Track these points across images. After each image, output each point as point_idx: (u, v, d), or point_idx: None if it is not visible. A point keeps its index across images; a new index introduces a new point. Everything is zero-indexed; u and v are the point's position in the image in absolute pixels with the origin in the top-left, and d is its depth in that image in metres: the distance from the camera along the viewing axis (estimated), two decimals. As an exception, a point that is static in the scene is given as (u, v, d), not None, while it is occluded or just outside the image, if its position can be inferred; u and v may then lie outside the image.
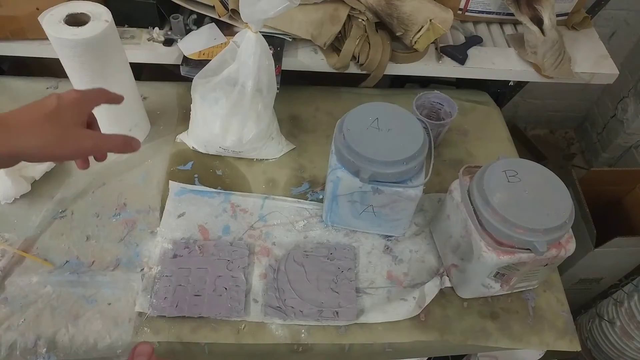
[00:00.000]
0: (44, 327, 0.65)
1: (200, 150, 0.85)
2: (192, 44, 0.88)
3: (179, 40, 0.89)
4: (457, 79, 1.14)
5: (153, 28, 0.89)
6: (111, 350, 0.65)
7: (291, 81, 0.93)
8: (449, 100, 0.86)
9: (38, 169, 0.78)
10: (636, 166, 1.67)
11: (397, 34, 0.88)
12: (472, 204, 0.63)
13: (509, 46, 0.98)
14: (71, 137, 0.47)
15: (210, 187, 0.81)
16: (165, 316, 0.67)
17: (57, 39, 0.65)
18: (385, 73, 0.92)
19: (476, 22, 1.02)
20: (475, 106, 1.00)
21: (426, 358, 0.85)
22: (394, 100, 0.76)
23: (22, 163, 0.77)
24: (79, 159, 0.53)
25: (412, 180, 0.66)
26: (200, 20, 0.91)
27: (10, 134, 0.44)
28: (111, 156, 0.83)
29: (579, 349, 0.70)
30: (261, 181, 0.84)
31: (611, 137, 1.76)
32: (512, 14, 0.91)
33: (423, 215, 0.81)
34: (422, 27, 0.85)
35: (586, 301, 1.41)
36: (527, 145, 1.84)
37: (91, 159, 0.55)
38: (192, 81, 0.78)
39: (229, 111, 0.77)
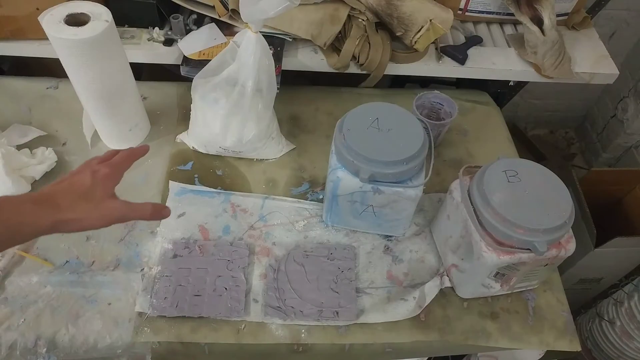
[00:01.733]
0: (44, 327, 0.65)
1: (201, 150, 0.85)
2: (192, 44, 0.88)
3: (179, 40, 0.89)
4: (457, 79, 1.14)
5: (153, 28, 0.89)
6: (111, 350, 0.65)
7: (291, 81, 0.92)
8: (449, 100, 0.86)
9: (38, 169, 0.78)
10: (636, 166, 1.67)
11: (397, 34, 0.88)
12: (472, 204, 0.63)
13: (509, 46, 0.98)
14: (102, 210, 0.52)
15: (210, 187, 0.81)
16: (165, 316, 0.67)
17: (57, 39, 0.65)
18: (385, 73, 0.92)
19: (476, 22, 1.02)
20: (475, 106, 1.00)
21: (426, 358, 0.85)
22: (394, 100, 0.76)
23: (21, 162, 0.78)
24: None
25: (412, 180, 0.66)
26: (200, 20, 0.91)
27: (56, 211, 0.49)
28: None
29: (579, 349, 0.70)
30: (261, 181, 0.84)
31: (611, 137, 1.76)
32: (512, 14, 0.91)
33: (423, 215, 0.81)
34: (422, 27, 0.85)
35: (586, 301, 1.41)
36: (527, 145, 1.84)
37: None
38: (192, 81, 0.78)
39: (229, 111, 0.77)
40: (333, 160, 0.68)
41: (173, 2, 0.86)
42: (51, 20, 0.66)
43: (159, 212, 0.56)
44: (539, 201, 0.60)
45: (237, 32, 0.76)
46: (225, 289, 0.69)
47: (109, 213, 0.52)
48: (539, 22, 0.88)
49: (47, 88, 0.94)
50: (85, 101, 0.77)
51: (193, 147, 0.86)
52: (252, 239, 0.76)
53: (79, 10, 0.68)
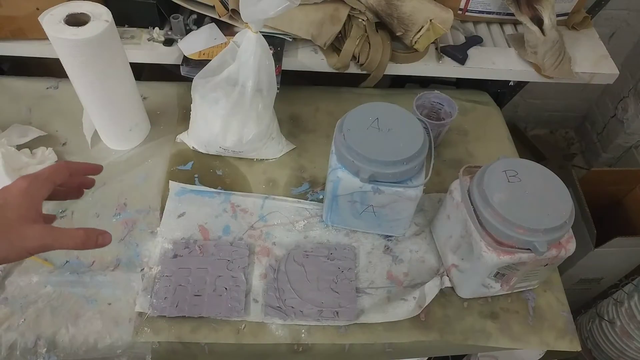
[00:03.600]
0: (44, 327, 0.65)
1: (201, 150, 0.85)
2: (192, 44, 0.88)
3: (179, 40, 0.89)
4: (457, 79, 1.14)
5: (153, 28, 0.89)
6: (111, 350, 0.65)
7: (291, 81, 0.92)
8: (449, 100, 0.86)
9: (38, 169, 0.78)
10: (636, 166, 1.67)
11: (397, 34, 0.88)
12: (472, 204, 0.63)
13: (509, 46, 0.98)
14: (14, 240, 0.41)
15: (210, 187, 0.81)
16: (165, 316, 0.67)
17: (57, 39, 0.65)
18: (385, 73, 0.92)
19: (476, 22, 1.02)
20: (475, 106, 1.00)
21: (426, 358, 0.85)
22: (394, 100, 0.76)
23: (21, 162, 0.77)
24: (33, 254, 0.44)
25: (412, 180, 0.66)
26: (200, 20, 0.91)
27: None
28: (111, 156, 0.84)
29: (579, 349, 0.70)
30: (261, 181, 0.84)
31: (611, 137, 1.76)
32: (512, 14, 0.91)
33: (423, 215, 0.81)
34: (422, 27, 0.85)
35: (586, 301, 1.41)
36: (527, 145, 1.84)
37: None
38: (192, 81, 0.78)
39: (229, 111, 0.77)
40: (333, 160, 0.68)
41: (173, 2, 0.86)
42: (51, 20, 0.66)
43: (92, 239, 0.46)
44: (539, 201, 0.60)
45: (237, 32, 0.76)
46: (225, 289, 0.69)
47: (22, 243, 0.42)
48: (539, 22, 0.88)
49: (47, 88, 0.94)
50: (85, 101, 0.77)
51: (193, 147, 0.86)
52: (252, 239, 0.76)
53: (79, 10, 0.68)
